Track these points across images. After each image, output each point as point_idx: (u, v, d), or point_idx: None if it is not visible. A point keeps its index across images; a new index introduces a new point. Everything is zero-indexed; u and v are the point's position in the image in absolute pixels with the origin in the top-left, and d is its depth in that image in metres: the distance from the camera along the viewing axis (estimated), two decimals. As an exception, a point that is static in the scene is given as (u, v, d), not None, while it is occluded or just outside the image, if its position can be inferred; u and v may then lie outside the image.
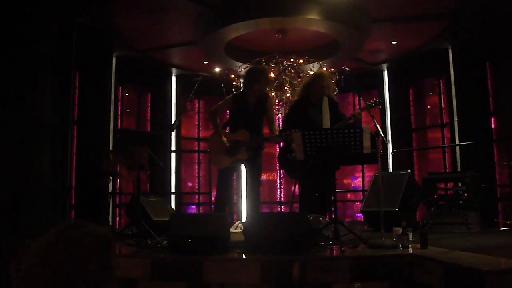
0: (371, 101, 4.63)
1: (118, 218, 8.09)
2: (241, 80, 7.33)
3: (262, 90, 4.82)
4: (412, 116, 8.98)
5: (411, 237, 3.58)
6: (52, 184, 5.63)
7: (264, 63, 6.93)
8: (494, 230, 5.47)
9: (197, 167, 9.46)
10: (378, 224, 4.49)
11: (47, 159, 5.55)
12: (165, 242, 3.88)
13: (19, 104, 5.27)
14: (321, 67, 6.96)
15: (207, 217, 3.90)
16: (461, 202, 5.31)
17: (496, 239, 4.68)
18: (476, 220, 5.32)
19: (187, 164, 9.61)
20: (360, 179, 9.51)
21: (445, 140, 8.35)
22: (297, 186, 5.11)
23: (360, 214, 7.93)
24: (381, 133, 4.24)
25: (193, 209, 9.48)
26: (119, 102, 8.50)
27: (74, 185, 7.09)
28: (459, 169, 7.47)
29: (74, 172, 7.06)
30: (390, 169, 8.52)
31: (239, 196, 9.03)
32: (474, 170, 5.74)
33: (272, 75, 6.87)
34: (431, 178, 5.82)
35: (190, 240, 3.48)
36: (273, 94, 6.92)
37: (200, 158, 9.47)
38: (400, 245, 3.47)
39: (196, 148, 9.67)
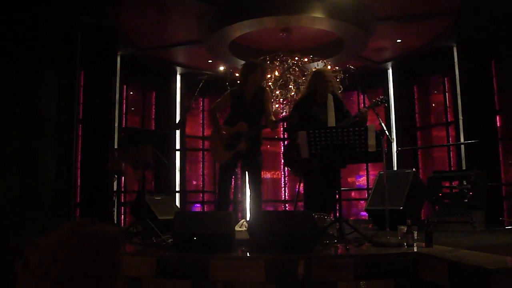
0: (377, 99, 4.62)
1: (123, 216, 8.11)
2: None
3: (258, 82, 4.80)
4: (416, 115, 8.96)
5: (416, 235, 3.58)
6: (57, 183, 5.66)
7: (268, 62, 6.93)
8: (499, 229, 5.45)
9: (201, 165, 9.48)
10: (382, 223, 4.49)
11: (52, 157, 5.58)
12: (170, 240, 3.89)
13: (24, 103, 5.29)
14: (325, 65, 6.95)
15: (212, 215, 3.90)
16: (466, 200, 5.30)
17: (501, 237, 4.66)
18: (481, 219, 5.31)
19: (192, 163, 9.63)
20: (364, 178, 9.50)
21: (450, 139, 8.32)
22: (301, 184, 5.11)
23: (365, 213, 7.93)
24: (386, 131, 4.23)
25: (197, 208, 9.50)
26: (124, 101, 8.51)
27: (79, 184, 7.11)
28: (464, 168, 7.45)
29: (79, 170, 7.09)
30: (395, 168, 8.51)
31: (244, 194, 9.03)
32: (479, 168, 5.72)
33: (276, 73, 6.88)
34: (436, 176, 5.81)
35: (195, 238, 3.49)
36: (277, 92, 6.93)
37: (205, 156, 9.49)
38: (405, 244, 3.47)
39: (201, 147, 9.68)
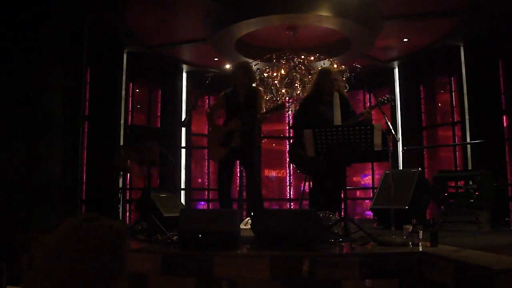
0: (383, 97, 4.60)
1: (128, 213, 8.14)
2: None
3: (244, 83, 4.78)
4: (423, 114, 8.92)
5: (421, 235, 3.57)
6: (63, 179, 5.69)
7: (274, 60, 6.92)
8: (504, 229, 5.43)
9: (207, 163, 9.49)
10: (388, 222, 4.48)
11: (59, 154, 5.60)
12: (175, 237, 3.91)
13: (31, 100, 5.32)
14: (331, 64, 6.94)
15: (218, 213, 3.91)
16: (472, 200, 5.28)
17: (507, 238, 4.65)
18: (486, 219, 5.28)
19: (197, 161, 9.65)
20: (369, 177, 9.48)
21: (456, 139, 8.28)
22: (307, 183, 5.11)
23: (370, 212, 7.91)
24: (392, 130, 4.22)
25: (202, 205, 9.51)
26: (130, 98, 8.53)
27: (84, 180, 7.15)
28: (470, 168, 7.41)
29: (85, 167, 7.12)
30: (400, 167, 8.49)
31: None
32: (486, 168, 5.70)
33: (282, 72, 6.87)
34: (442, 176, 5.79)
35: (200, 235, 3.50)
36: (283, 91, 6.92)
37: (210, 154, 9.48)
38: (410, 243, 3.46)
39: (206, 145, 9.68)
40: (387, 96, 4.62)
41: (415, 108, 8.93)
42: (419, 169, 5.88)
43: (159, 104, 9.13)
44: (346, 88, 5.93)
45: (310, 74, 6.95)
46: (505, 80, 7.35)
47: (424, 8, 6.64)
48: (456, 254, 3.08)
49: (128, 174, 7.47)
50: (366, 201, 9.61)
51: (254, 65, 7.14)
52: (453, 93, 8.44)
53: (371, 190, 9.19)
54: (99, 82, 7.51)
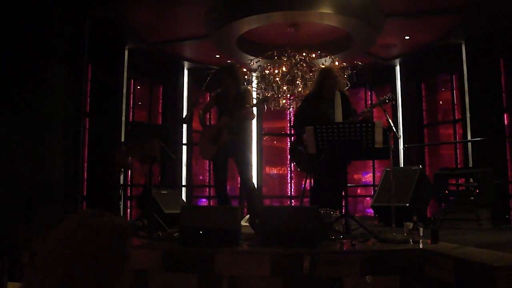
0: (385, 96, 4.59)
1: (129, 210, 8.16)
2: (253, 74, 7.35)
3: (232, 85, 4.85)
4: (424, 112, 8.92)
5: (422, 232, 3.58)
6: (64, 176, 5.70)
7: (276, 57, 6.92)
8: (505, 227, 5.43)
9: (208, 160, 9.48)
10: (388, 219, 4.48)
11: (60, 151, 5.61)
12: (176, 234, 3.92)
13: (33, 97, 5.32)
14: (333, 61, 6.94)
15: (218, 210, 3.92)
16: (472, 198, 5.28)
17: (507, 235, 4.66)
18: (487, 217, 5.29)
19: (198, 157, 9.64)
20: (370, 175, 9.49)
21: (457, 136, 8.28)
22: (307, 180, 5.12)
23: (370, 210, 7.92)
24: (393, 128, 4.22)
25: (203, 202, 9.52)
26: (131, 95, 8.54)
27: (86, 177, 7.16)
28: (470, 166, 7.42)
29: (86, 164, 7.13)
30: (401, 165, 8.49)
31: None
32: (486, 166, 5.70)
33: (284, 69, 6.87)
34: (443, 173, 5.79)
35: (201, 232, 3.51)
36: (284, 88, 6.92)
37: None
38: (411, 240, 3.47)
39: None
40: (388, 95, 4.61)
41: (416, 105, 8.93)
42: (420, 166, 5.87)
43: (160, 101, 9.13)
44: (347, 86, 5.92)
45: (311, 71, 6.95)
46: (506, 78, 7.35)
47: (425, 5, 6.63)
48: (457, 251, 3.08)
49: (129, 171, 7.48)
50: (366, 198, 9.61)
51: (256, 62, 7.15)
52: (454, 91, 8.44)
53: (372, 187, 9.19)
54: (100, 79, 7.51)
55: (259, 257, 3.26)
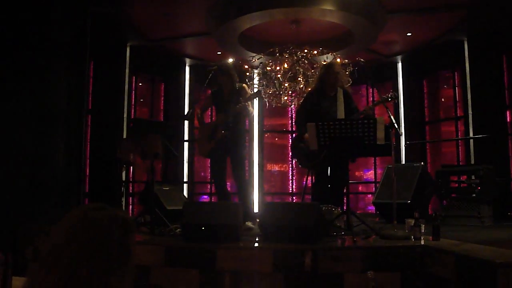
0: (387, 94, 4.58)
1: (131, 206, 8.18)
2: (255, 71, 7.35)
3: (227, 83, 4.91)
4: (426, 109, 8.91)
5: (423, 229, 3.59)
6: (67, 172, 5.71)
7: (277, 54, 6.91)
8: (507, 224, 5.43)
9: (204, 157, 9.48)
10: (390, 216, 4.48)
11: (62, 147, 5.63)
12: (178, 230, 3.93)
13: (35, 93, 5.34)
14: (335, 58, 6.93)
15: (221, 206, 3.93)
16: (474, 195, 5.28)
17: (509, 232, 4.66)
18: (489, 214, 5.29)
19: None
20: (371, 172, 9.49)
21: (459, 133, 8.27)
22: (309, 177, 5.12)
23: (372, 207, 7.92)
24: (395, 124, 4.22)
25: (205, 199, 9.53)
26: (133, 92, 8.54)
27: (88, 174, 7.17)
28: (472, 163, 7.41)
29: (88, 160, 7.14)
30: (403, 162, 8.48)
31: (251, 186, 9.06)
32: (488, 163, 5.69)
33: (285, 66, 6.86)
34: (445, 170, 5.79)
35: (203, 228, 3.52)
36: (286, 85, 6.91)
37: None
38: (412, 237, 3.48)
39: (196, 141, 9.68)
40: (390, 93, 4.61)
41: (418, 102, 8.92)
42: (422, 163, 5.87)
43: (162, 98, 9.13)
44: (349, 83, 5.92)
45: (313, 68, 6.94)
46: (509, 75, 7.33)
47: (427, 2, 6.61)
48: (458, 247, 3.09)
49: (131, 167, 7.49)
50: (368, 195, 9.61)
51: (257, 59, 7.13)
52: (456, 88, 8.42)
53: (373, 184, 9.19)
54: (102, 76, 7.52)
55: (260, 253, 3.28)
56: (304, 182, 5.18)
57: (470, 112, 7.74)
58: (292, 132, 9.77)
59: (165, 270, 3.41)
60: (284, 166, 10.29)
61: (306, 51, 6.89)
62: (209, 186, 9.47)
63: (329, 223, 3.90)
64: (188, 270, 3.35)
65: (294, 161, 9.60)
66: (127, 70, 8.09)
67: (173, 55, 8.85)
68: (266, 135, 9.80)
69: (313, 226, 3.41)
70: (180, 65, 9.14)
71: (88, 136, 7.12)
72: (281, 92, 7.03)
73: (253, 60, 7.25)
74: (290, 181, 9.86)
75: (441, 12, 6.85)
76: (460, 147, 8.25)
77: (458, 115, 8.30)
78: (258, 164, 9.24)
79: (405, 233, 3.60)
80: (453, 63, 8.35)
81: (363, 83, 9.02)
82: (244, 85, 4.97)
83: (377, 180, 8.61)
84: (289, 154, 9.93)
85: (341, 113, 4.66)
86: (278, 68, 6.96)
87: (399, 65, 9.08)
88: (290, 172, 9.88)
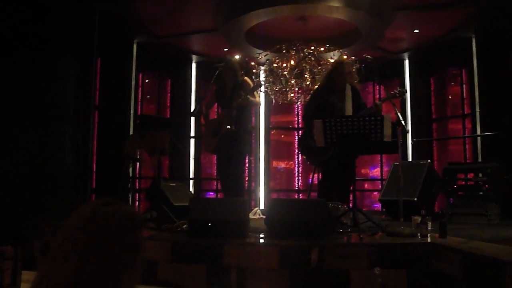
0: (395, 90, 4.57)
1: (137, 202, 8.21)
2: (261, 68, 7.35)
3: (230, 77, 4.94)
4: (432, 106, 8.86)
5: (430, 226, 3.58)
6: (74, 168, 5.75)
7: (284, 51, 6.90)
8: (514, 222, 5.40)
9: (210, 153, 9.50)
10: (396, 213, 4.48)
11: (69, 143, 5.66)
12: (185, 226, 3.95)
13: (43, 90, 5.37)
14: (341, 55, 6.91)
15: (227, 202, 3.94)
16: (481, 193, 5.26)
17: (516, 230, 4.63)
18: (496, 212, 5.26)
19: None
20: (378, 169, 9.47)
21: (466, 131, 8.23)
22: (315, 175, 5.13)
23: (378, 204, 7.91)
24: (402, 121, 4.21)
25: (211, 196, 9.56)
26: (140, 89, 8.57)
27: (94, 169, 7.21)
28: (479, 161, 7.38)
29: (95, 156, 7.17)
30: (410, 160, 8.45)
31: (257, 184, 9.08)
32: (496, 161, 5.66)
33: (292, 62, 6.86)
34: (452, 168, 5.76)
35: (210, 224, 3.53)
36: (293, 81, 6.91)
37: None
38: (419, 234, 3.47)
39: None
40: (398, 89, 4.59)
41: (425, 100, 8.87)
42: (429, 160, 5.85)
43: (169, 95, 9.15)
44: (356, 79, 5.91)
45: (320, 65, 6.93)
46: (517, 72, 7.28)
47: (435, -1, 6.59)
48: (465, 245, 3.09)
49: (138, 164, 7.52)
50: (374, 193, 9.60)
51: (264, 56, 7.14)
52: (463, 85, 8.38)
53: (380, 182, 9.18)
54: (109, 73, 7.54)
55: (267, 249, 3.29)
56: (310, 180, 5.19)
57: (477, 109, 7.70)
58: (298, 129, 9.77)
59: (171, 265, 3.43)
60: (290, 163, 10.29)
61: (313, 48, 6.88)
62: (215, 183, 9.49)
63: (335, 220, 3.90)
64: (194, 266, 3.36)
65: (300, 158, 9.61)
66: (134, 67, 8.12)
67: (179, 52, 8.86)
68: (272, 132, 9.80)
69: (320, 223, 3.42)
70: (186, 62, 9.16)
71: (95, 132, 7.15)
72: (287, 89, 7.03)
73: (260, 57, 7.25)
74: (296, 178, 9.86)
75: (449, 9, 6.81)
76: (467, 145, 8.21)
77: (465, 112, 8.26)
78: (264, 161, 9.25)
79: (411, 230, 3.59)
80: (461, 61, 8.30)
81: (369, 80, 8.99)
82: (246, 78, 4.99)
83: (383, 178, 8.59)
84: (295, 151, 9.92)
85: (349, 109, 4.65)
86: (284, 65, 6.96)
87: (406, 62, 9.05)
88: (296, 169, 9.88)
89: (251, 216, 5.18)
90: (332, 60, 6.68)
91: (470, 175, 5.73)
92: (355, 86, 4.96)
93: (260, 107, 8.87)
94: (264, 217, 4.33)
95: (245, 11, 6.65)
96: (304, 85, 6.95)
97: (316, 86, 5.52)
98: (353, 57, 6.96)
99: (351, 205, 4.36)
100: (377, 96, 9.27)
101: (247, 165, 5.34)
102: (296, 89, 7.12)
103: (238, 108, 4.72)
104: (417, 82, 8.91)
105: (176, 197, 5.13)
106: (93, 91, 6.64)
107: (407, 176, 5.35)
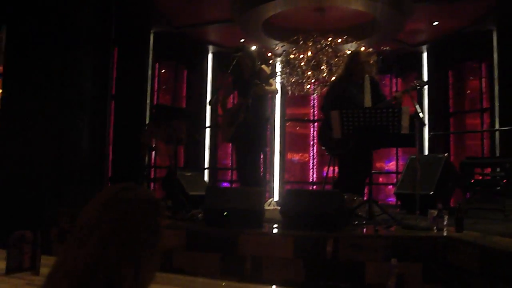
0: (415, 82, 4.50)
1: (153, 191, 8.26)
2: (278, 59, 7.32)
3: (248, 65, 4.91)
4: (450, 100, 8.75)
5: (446, 220, 3.55)
6: (91, 157, 5.80)
7: (301, 42, 6.86)
8: (532, 218, 5.33)
9: (231, 144, 9.53)
10: (411, 207, 4.44)
11: (87, 132, 5.71)
12: (200, 215, 3.97)
13: (61, 78, 5.41)
14: (359, 47, 6.85)
15: (243, 191, 3.94)
16: (499, 188, 5.19)
17: (535, 226, 4.57)
18: (514, 207, 5.19)
19: (221, 142, 9.69)
20: (393, 163, 9.41)
21: (484, 126, 8.12)
22: (330, 168, 5.10)
23: (392, 198, 7.86)
24: (420, 114, 4.16)
25: (225, 186, 9.59)
26: (156, 79, 8.60)
27: (111, 158, 7.27)
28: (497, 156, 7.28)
29: (111, 146, 7.23)
30: (426, 153, 8.38)
31: (272, 175, 9.08)
32: (514, 156, 5.59)
33: (309, 54, 6.82)
34: (469, 162, 5.69)
35: (225, 213, 3.54)
36: (309, 73, 6.88)
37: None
38: (435, 228, 3.44)
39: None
40: (420, 80, 4.53)
41: (443, 94, 8.76)
42: (446, 154, 5.78)
43: (185, 85, 9.18)
44: (376, 71, 5.85)
45: (337, 56, 6.88)
46: (539, 66, 7.15)
47: (456, -10, 6.48)
48: (482, 239, 3.06)
49: (153, 153, 7.57)
50: (388, 186, 9.54)
51: (281, 47, 7.10)
52: (483, 79, 8.25)
53: (395, 175, 9.12)
54: (126, 62, 7.58)
55: (282, 239, 3.29)
56: (325, 172, 5.17)
57: (496, 104, 7.59)
58: (313, 121, 9.73)
59: (187, 254, 3.46)
60: (304, 155, 10.27)
61: (330, 39, 6.83)
62: (229, 173, 9.52)
63: (351, 211, 3.89)
64: (209, 255, 3.38)
65: (314, 150, 9.58)
66: (150, 57, 8.15)
67: (196, 42, 8.87)
68: (287, 124, 9.78)
69: (335, 214, 3.41)
70: (203, 52, 9.17)
71: (111, 122, 7.21)
72: (304, 81, 7.00)
73: (277, 48, 7.22)
74: (311, 171, 9.84)
75: (470, 1, 6.70)
76: (484, 140, 8.10)
77: (484, 107, 8.14)
78: (280, 153, 9.24)
79: (427, 224, 3.57)
80: (481, 54, 8.16)
81: (387, 73, 8.90)
82: (263, 66, 4.97)
83: (399, 171, 8.53)
84: (310, 143, 9.90)
85: (368, 101, 4.60)
86: (301, 56, 6.92)
87: (424, 55, 8.93)
88: (311, 161, 9.85)
89: (265, 207, 5.19)
90: (349, 52, 6.63)
91: (487, 170, 5.66)
92: (374, 77, 4.90)
93: (276, 98, 8.86)
94: (278, 208, 4.35)
95: (262, 1, 6.62)
96: (321, 77, 6.91)
97: (334, 77, 5.48)
98: (371, 49, 6.90)
99: (366, 198, 4.34)
100: (394, 89, 9.18)
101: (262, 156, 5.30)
102: (313, 80, 7.08)
103: (254, 96, 4.70)
104: (435, 76, 8.79)
105: (191, 187, 5.16)
106: (110, 80, 6.68)
107: (423, 170, 5.28)
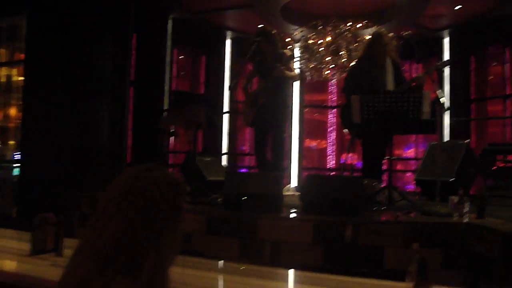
0: (438, 63, 4.42)
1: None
2: (296, 44, 7.27)
3: (270, 49, 4.88)
4: (472, 86, 8.58)
5: (467, 206, 3.50)
6: (110, 142, 5.87)
7: (320, 27, 6.79)
8: (555, 206, 5.23)
9: (248, 130, 9.53)
10: (431, 193, 4.40)
11: (106, 118, 5.77)
12: (219, 199, 3.99)
13: (82, 65, 5.46)
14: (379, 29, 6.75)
15: (262, 176, 3.95)
16: (522, 175, 5.11)
17: (558, 214, 4.48)
18: (536, 195, 5.10)
19: (239, 127, 9.70)
20: (412, 150, 9.31)
21: (507, 113, 7.95)
22: (349, 155, 5.07)
23: (410, 185, 7.78)
24: (442, 98, 4.09)
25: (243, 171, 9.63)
26: (174, 65, 8.61)
27: (130, 144, 7.34)
28: (520, 143, 7.15)
29: (130, 132, 7.29)
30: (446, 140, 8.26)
31: (289, 162, 9.07)
32: (538, 143, 5.48)
33: (328, 39, 6.74)
34: (491, 149, 5.60)
35: (244, 198, 3.56)
36: (328, 58, 6.81)
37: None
38: (456, 214, 3.40)
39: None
40: (443, 60, 4.44)
41: (464, 80, 8.59)
42: (467, 141, 5.69)
43: (203, 71, 9.18)
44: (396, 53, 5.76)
45: (356, 42, 6.79)
46: None
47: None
48: (504, 226, 3.01)
49: (172, 138, 7.62)
50: (407, 174, 9.45)
51: (300, 32, 7.04)
52: (506, 65, 8.06)
53: (414, 162, 9.02)
54: (145, 49, 7.60)
55: (301, 224, 3.30)
56: (343, 159, 5.14)
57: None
58: (332, 107, 9.66)
59: (206, 238, 3.49)
60: (322, 142, 10.22)
61: (349, 24, 6.74)
62: (247, 159, 9.54)
63: (370, 197, 3.87)
64: (228, 239, 3.41)
65: (332, 137, 9.53)
66: (169, 43, 8.15)
67: (214, 28, 8.84)
68: (305, 110, 9.73)
69: (355, 199, 3.40)
70: (221, 38, 9.13)
71: (130, 108, 7.26)
72: (322, 66, 6.94)
73: (295, 33, 7.16)
74: (329, 157, 9.80)
75: (494, -16, 6.54)
76: (507, 127, 7.95)
77: (507, 93, 7.97)
78: (299, 139, 9.21)
79: (448, 210, 3.53)
80: (505, 39, 7.96)
81: (407, 59, 8.75)
82: (285, 50, 4.95)
83: (419, 158, 8.44)
84: (327, 130, 9.85)
85: (390, 83, 4.55)
86: (320, 41, 6.85)
87: (446, 40, 8.74)
88: (329, 148, 9.81)
89: (283, 192, 5.20)
90: (368, 37, 6.53)
91: (510, 157, 5.56)
92: (396, 60, 4.84)
93: (294, 84, 8.81)
94: (296, 194, 4.34)
95: (281, -14, 6.56)
96: (340, 62, 6.84)
97: (355, 60, 5.40)
98: (392, 34, 6.78)
99: (385, 184, 4.31)
100: (414, 75, 9.03)
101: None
102: (332, 66, 7.01)
103: (274, 80, 4.69)
104: (456, 61, 8.61)
105: (210, 172, 5.18)
106: (129, 67, 6.72)
107: (444, 156, 5.22)
